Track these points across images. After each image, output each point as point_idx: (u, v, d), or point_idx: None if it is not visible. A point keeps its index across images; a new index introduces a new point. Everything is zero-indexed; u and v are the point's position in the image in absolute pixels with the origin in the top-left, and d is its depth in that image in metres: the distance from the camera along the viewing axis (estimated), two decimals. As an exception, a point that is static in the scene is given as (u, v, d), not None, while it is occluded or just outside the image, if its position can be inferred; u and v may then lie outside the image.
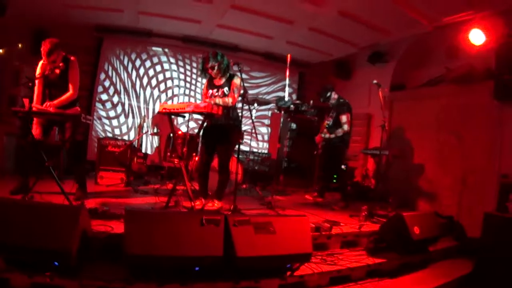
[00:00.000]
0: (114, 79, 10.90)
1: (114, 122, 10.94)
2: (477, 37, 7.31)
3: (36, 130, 5.59)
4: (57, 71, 5.50)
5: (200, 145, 6.54)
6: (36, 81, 5.56)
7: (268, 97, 12.02)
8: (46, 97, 5.56)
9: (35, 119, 5.61)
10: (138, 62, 11.14)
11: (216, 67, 5.82)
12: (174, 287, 3.61)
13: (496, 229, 5.35)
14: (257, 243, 3.88)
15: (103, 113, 10.84)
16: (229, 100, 5.74)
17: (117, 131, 10.93)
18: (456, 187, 7.72)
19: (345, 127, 7.50)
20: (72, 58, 5.69)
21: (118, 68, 10.92)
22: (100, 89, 10.77)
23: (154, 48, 11.28)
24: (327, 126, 7.58)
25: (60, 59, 5.57)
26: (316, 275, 4.41)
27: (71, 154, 5.96)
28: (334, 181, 8.56)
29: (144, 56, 11.20)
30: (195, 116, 9.73)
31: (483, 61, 7.63)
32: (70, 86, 5.65)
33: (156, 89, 11.37)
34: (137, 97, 11.15)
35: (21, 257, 3.48)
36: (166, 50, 11.41)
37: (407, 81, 9.85)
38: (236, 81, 5.87)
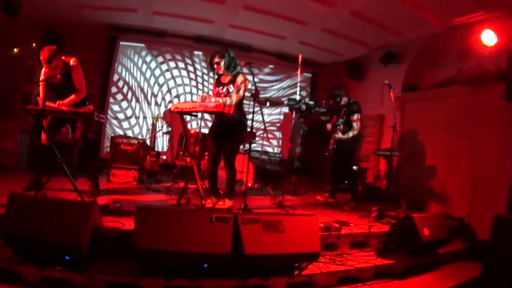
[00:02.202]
0: (127, 78, 10.99)
1: (127, 121, 11.02)
2: (488, 38, 7.25)
3: (42, 135, 5.64)
4: (59, 76, 5.53)
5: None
6: (40, 88, 5.63)
7: (280, 97, 12.02)
8: (52, 101, 5.57)
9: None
10: (150, 61, 11.23)
11: (221, 63, 5.84)
12: (182, 283, 3.65)
13: (506, 232, 5.26)
14: (266, 242, 3.91)
15: (117, 110, 10.93)
16: (227, 101, 5.65)
17: (129, 129, 11.01)
18: (467, 189, 7.65)
19: (356, 126, 7.50)
20: (72, 60, 5.69)
21: (131, 67, 11.02)
22: (113, 87, 10.87)
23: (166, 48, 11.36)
24: (337, 126, 7.58)
25: (61, 64, 5.59)
26: (324, 275, 4.42)
27: (83, 152, 6.02)
28: (346, 182, 8.55)
29: (156, 55, 11.28)
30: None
31: (495, 62, 7.56)
32: (77, 87, 5.69)
33: (169, 87, 11.44)
34: (151, 96, 11.23)
35: (33, 250, 3.56)
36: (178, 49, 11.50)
37: (419, 82, 9.79)
38: (240, 80, 5.81)
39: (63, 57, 5.67)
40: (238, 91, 5.77)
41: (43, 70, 5.62)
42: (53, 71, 5.50)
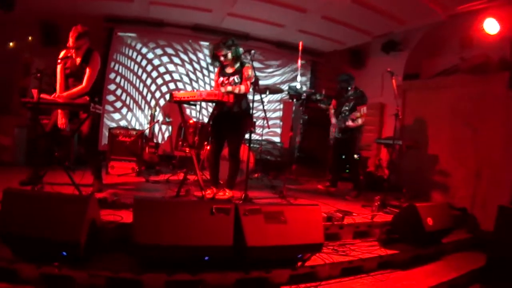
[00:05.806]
0: (124, 69, 10.89)
1: (124, 111, 10.94)
2: (491, 26, 7.19)
3: (61, 120, 5.53)
4: (78, 60, 5.51)
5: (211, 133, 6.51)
6: (58, 69, 5.54)
7: (280, 85, 11.90)
8: (69, 87, 5.53)
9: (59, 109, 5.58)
10: (148, 52, 11.11)
11: (229, 55, 5.76)
12: (183, 277, 3.58)
13: (510, 222, 5.23)
14: (268, 233, 3.83)
15: (114, 102, 10.85)
16: (241, 88, 5.68)
17: (127, 121, 10.94)
18: (470, 179, 7.61)
19: (362, 118, 7.40)
20: (95, 52, 5.65)
21: (129, 58, 10.91)
22: (110, 79, 10.77)
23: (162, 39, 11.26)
24: (343, 115, 7.49)
25: (85, 48, 5.56)
26: (328, 266, 4.36)
27: (86, 144, 5.93)
28: (347, 171, 8.49)
29: (154, 46, 11.16)
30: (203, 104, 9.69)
31: (498, 51, 7.52)
32: (85, 80, 5.56)
33: (166, 78, 11.34)
34: (148, 86, 11.13)
35: (29, 247, 3.47)
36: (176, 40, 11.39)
37: (421, 71, 9.72)
38: (248, 68, 5.79)
39: (89, 45, 5.66)
40: (248, 78, 5.76)
41: (62, 52, 5.56)
42: (76, 50, 5.48)
